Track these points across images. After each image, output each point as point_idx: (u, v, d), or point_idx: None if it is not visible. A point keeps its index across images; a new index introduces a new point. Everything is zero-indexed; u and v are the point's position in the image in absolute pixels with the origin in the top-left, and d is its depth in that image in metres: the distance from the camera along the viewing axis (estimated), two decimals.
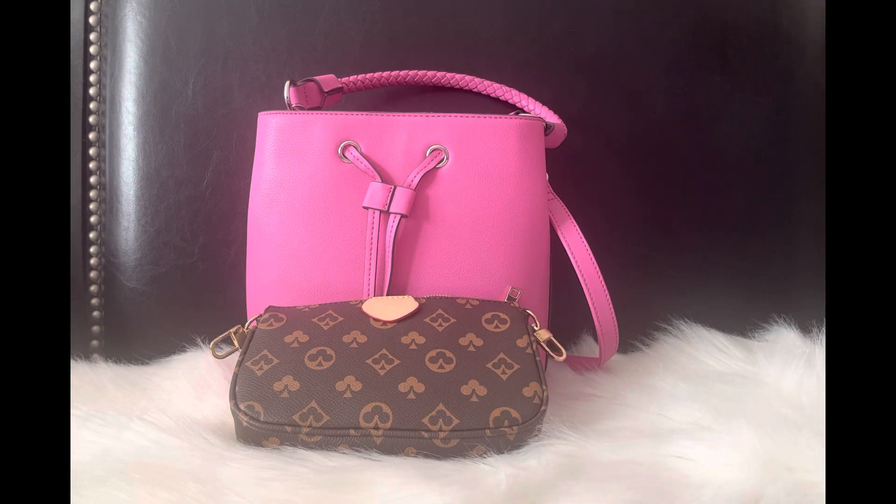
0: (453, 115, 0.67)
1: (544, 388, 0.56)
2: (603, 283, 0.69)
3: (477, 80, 0.77)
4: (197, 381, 0.66)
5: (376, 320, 0.59)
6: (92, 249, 0.77)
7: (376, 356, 0.56)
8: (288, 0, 0.76)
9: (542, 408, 0.55)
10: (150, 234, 0.76)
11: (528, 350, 0.58)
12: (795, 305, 0.80)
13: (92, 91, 0.77)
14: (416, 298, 0.62)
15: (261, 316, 0.61)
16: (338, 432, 0.53)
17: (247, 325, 0.62)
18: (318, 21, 0.76)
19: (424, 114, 0.67)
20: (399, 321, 0.59)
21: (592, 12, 0.79)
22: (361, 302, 0.62)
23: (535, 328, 0.61)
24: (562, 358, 0.60)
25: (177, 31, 0.76)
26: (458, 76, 0.76)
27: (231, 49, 0.76)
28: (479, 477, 0.50)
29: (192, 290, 0.76)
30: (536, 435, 0.55)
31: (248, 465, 0.51)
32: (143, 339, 0.75)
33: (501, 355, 0.57)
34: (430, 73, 0.76)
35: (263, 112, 0.69)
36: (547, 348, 0.61)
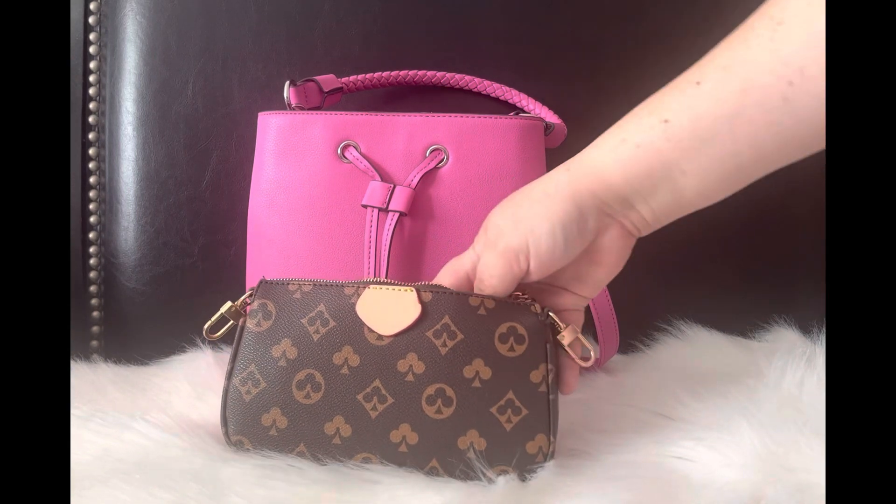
0: (453, 115, 0.67)
1: (551, 440, 0.51)
2: None
3: (477, 80, 0.77)
4: (197, 382, 0.66)
5: (371, 332, 0.53)
6: (91, 249, 0.77)
7: (368, 390, 0.51)
8: (288, 0, 0.76)
9: (544, 463, 0.51)
10: (150, 235, 0.76)
11: (542, 388, 0.51)
12: (796, 306, 0.80)
13: (91, 91, 0.77)
14: (421, 291, 0.53)
15: (252, 300, 0.56)
16: None
17: (240, 301, 0.56)
18: (318, 21, 0.76)
19: (424, 114, 0.67)
20: (398, 335, 0.52)
21: (593, 12, 0.79)
22: (358, 290, 0.54)
23: (561, 329, 0.53)
24: (589, 362, 0.53)
25: (177, 31, 0.76)
26: (457, 76, 0.76)
27: (231, 49, 0.76)
28: (479, 477, 0.50)
29: (192, 290, 0.76)
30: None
31: (249, 464, 0.51)
32: (142, 339, 0.75)
33: (510, 395, 0.51)
34: (430, 73, 0.76)
35: (263, 112, 0.69)
36: (573, 354, 0.53)
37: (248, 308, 0.56)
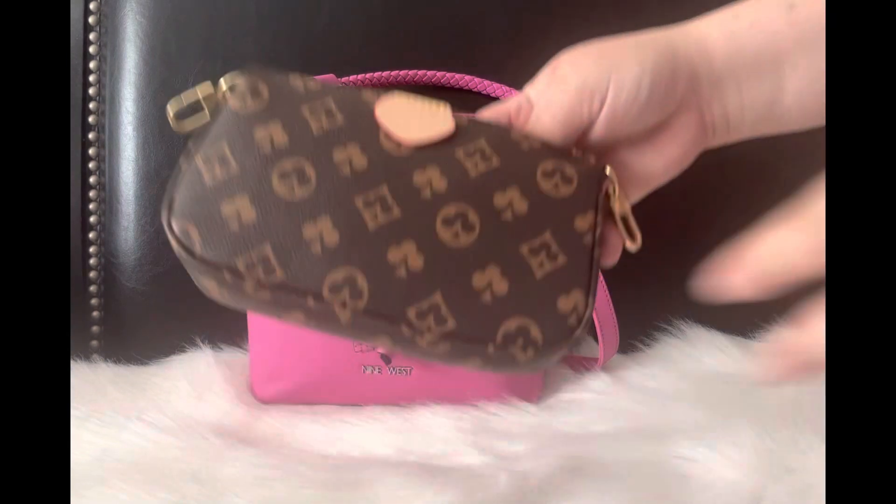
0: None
1: (589, 301, 0.40)
2: (603, 282, 0.69)
3: (477, 79, 0.76)
4: (196, 381, 0.66)
5: (389, 138, 0.41)
6: (91, 249, 0.77)
7: (370, 195, 0.40)
8: (288, 0, 0.76)
9: (577, 332, 0.39)
10: (150, 234, 0.76)
11: (588, 238, 0.41)
12: (797, 306, 0.80)
13: (91, 91, 0.77)
14: (457, 116, 0.43)
15: (241, 77, 0.45)
16: (291, 297, 0.38)
17: (222, 86, 0.45)
18: (318, 21, 0.76)
19: None
20: (421, 147, 0.41)
21: (593, 12, 0.79)
22: (379, 97, 0.43)
23: (614, 194, 0.43)
24: (635, 246, 0.44)
25: (177, 30, 0.75)
26: (457, 76, 0.76)
27: (231, 49, 0.75)
28: (479, 477, 0.50)
29: (192, 290, 0.75)
30: (558, 360, 0.41)
31: (248, 464, 0.51)
32: (142, 339, 0.75)
33: (547, 237, 0.40)
34: (429, 72, 0.76)
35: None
36: (622, 227, 0.44)
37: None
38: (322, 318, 0.39)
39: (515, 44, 0.78)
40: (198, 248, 0.39)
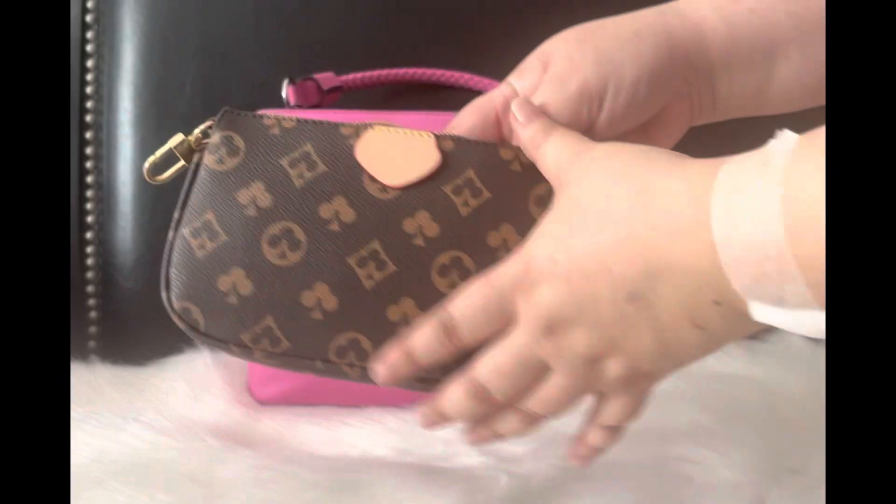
0: (453, 113, 0.66)
1: None
2: None
3: (477, 77, 0.76)
4: (194, 382, 0.66)
5: (374, 182, 0.40)
6: (89, 249, 0.76)
7: (363, 253, 0.39)
8: None
9: None
10: (148, 234, 0.75)
11: None
12: None
13: (89, 90, 0.76)
14: (440, 140, 0.42)
15: (213, 132, 0.44)
16: (300, 361, 0.40)
17: (194, 133, 0.45)
18: (317, 19, 0.76)
19: (424, 112, 0.67)
20: (408, 188, 0.40)
21: (593, 11, 0.79)
22: (357, 133, 0.42)
23: None
24: None
25: (174, 29, 0.75)
26: (457, 74, 0.76)
27: (229, 47, 0.75)
28: (479, 479, 0.50)
29: None
30: None
31: (247, 466, 0.51)
32: (140, 339, 0.75)
33: None
34: (429, 71, 0.76)
35: (262, 110, 0.69)
36: None
37: (207, 143, 0.43)
38: (333, 374, 0.40)
39: (516, 42, 0.78)
40: (202, 326, 0.40)
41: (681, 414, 0.59)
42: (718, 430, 0.54)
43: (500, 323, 0.38)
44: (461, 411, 0.40)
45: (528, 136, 0.41)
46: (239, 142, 0.42)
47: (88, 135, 0.76)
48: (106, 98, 0.76)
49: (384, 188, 0.40)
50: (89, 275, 0.76)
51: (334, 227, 0.40)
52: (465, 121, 0.44)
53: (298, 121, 0.42)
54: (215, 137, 0.43)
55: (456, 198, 0.40)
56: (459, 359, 0.39)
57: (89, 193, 0.76)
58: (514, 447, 0.56)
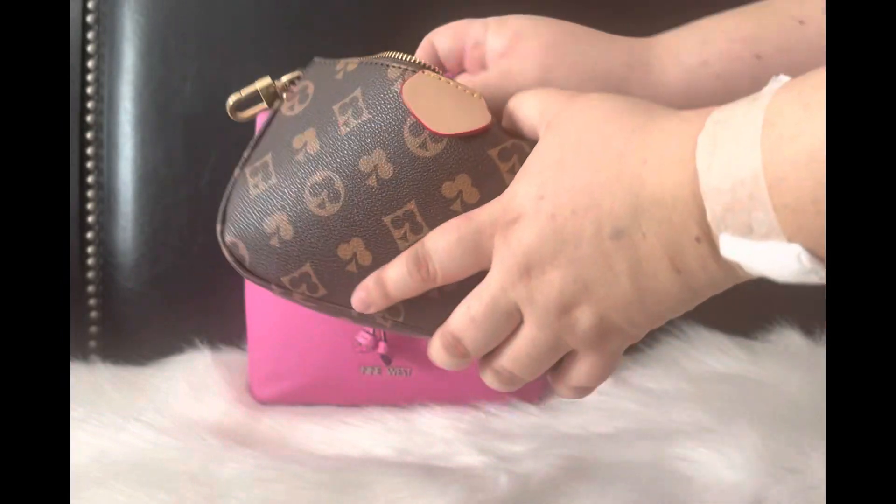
0: None
1: None
2: None
3: None
4: (195, 382, 0.66)
5: (415, 135, 0.39)
6: (89, 249, 0.76)
7: (399, 213, 0.39)
8: None
9: None
10: (148, 234, 0.75)
11: None
12: (798, 306, 0.80)
13: (89, 90, 0.76)
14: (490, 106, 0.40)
15: (301, 79, 0.45)
16: (337, 308, 0.41)
17: (282, 80, 0.46)
18: (317, 20, 0.76)
19: None
20: (454, 137, 0.39)
21: (594, 11, 0.79)
22: (405, 75, 0.40)
23: None
24: None
25: (175, 29, 0.75)
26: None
27: (229, 47, 0.75)
28: (479, 478, 0.50)
29: (191, 291, 0.75)
30: None
31: (247, 465, 0.51)
32: (140, 339, 0.75)
33: None
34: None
35: (262, 111, 0.69)
36: None
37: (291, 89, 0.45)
38: (367, 323, 0.42)
39: None
40: (247, 262, 0.41)
41: (681, 414, 0.59)
42: (718, 430, 0.54)
43: (474, 259, 0.38)
44: (442, 363, 0.40)
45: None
46: (311, 88, 0.43)
47: (89, 135, 0.76)
48: (106, 98, 0.76)
49: (424, 144, 0.39)
50: (90, 275, 0.76)
51: (372, 181, 0.39)
52: (443, 43, 0.46)
53: (360, 63, 0.42)
54: (298, 86, 0.44)
55: (502, 163, 0.39)
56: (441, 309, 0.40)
57: (90, 193, 0.76)
58: (514, 447, 0.57)
